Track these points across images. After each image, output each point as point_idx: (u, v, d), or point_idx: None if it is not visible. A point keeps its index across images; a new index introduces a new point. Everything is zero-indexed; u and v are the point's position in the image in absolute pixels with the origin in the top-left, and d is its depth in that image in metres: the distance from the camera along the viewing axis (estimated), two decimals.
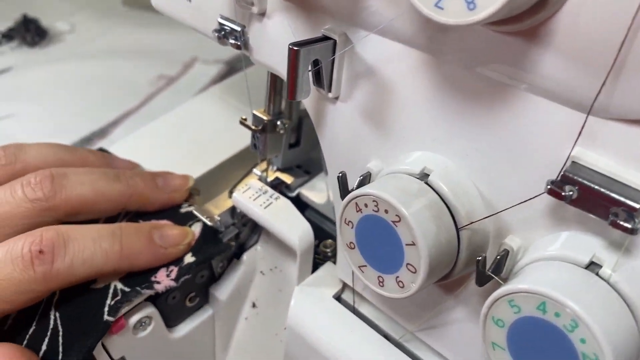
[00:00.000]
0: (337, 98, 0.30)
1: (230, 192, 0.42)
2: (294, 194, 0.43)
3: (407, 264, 0.25)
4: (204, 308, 0.43)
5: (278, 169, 0.44)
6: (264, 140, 0.39)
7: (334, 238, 0.41)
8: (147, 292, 0.36)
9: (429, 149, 0.27)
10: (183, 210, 0.42)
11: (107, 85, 0.96)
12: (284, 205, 0.38)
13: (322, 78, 0.29)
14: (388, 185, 0.25)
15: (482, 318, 0.23)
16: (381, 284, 0.26)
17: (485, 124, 0.24)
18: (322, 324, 0.35)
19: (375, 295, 0.33)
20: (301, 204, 0.43)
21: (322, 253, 0.40)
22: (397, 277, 0.25)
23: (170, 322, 0.41)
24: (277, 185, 0.43)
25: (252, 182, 0.40)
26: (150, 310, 0.38)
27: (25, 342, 0.35)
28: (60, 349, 0.34)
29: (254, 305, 0.43)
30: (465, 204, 0.25)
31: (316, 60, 0.28)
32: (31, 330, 0.35)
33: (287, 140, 0.42)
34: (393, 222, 0.24)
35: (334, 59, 0.28)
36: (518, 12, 0.20)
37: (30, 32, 1.09)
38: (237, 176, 0.44)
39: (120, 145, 0.48)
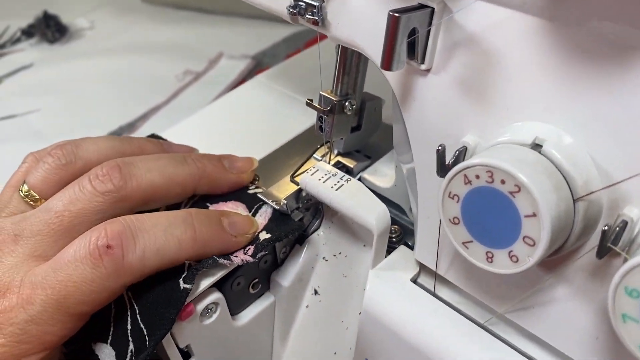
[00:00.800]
0: (428, 70, 0.29)
1: (292, 177, 0.41)
2: (356, 179, 0.42)
3: (525, 236, 0.24)
4: (265, 295, 0.42)
5: (339, 153, 0.43)
6: (331, 122, 0.38)
7: (397, 224, 0.40)
8: (224, 262, 0.35)
9: (538, 119, 0.26)
10: (251, 191, 0.41)
11: (130, 81, 0.95)
12: (357, 186, 0.37)
13: (416, 48, 0.28)
14: (503, 154, 0.24)
15: (613, 288, 0.22)
16: (490, 259, 0.25)
17: (607, 89, 0.23)
18: (402, 308, 0.34)
19: (461, 277, 0.32)
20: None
21: None
22: (511, 251, 0.24)
23: (234, 309, 0.40)
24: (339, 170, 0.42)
25: (320, 165, 0.39)
26: (217, 296, 0.37)
27: (111, 328, 0.34)
28: (142, 325, 0.33)
29: (315, 293, 0.42)
30: (582, 174, 0.24)
31: (412, 30, 0.27)
32: (113, 313, 0.34)
33: (350, 123, 0.41)
34: (511, 192, 0.23)
35: (430, 28, 0.27)
36: None
37: (50, 29, 1.08)
38: (295, 162, 0.43)
39: (171, 132, 0.47)
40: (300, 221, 0.39)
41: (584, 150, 0.25)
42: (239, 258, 0.35)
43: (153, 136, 0.47)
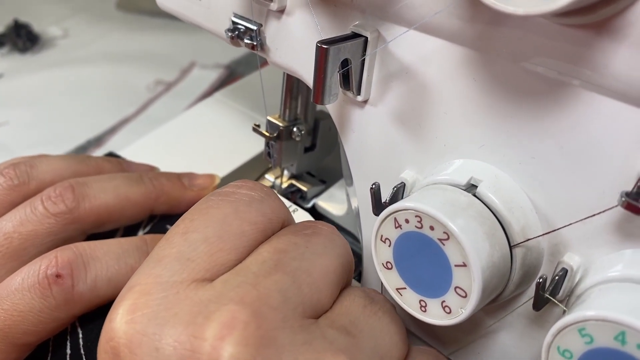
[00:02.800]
0: (366, 101, 0.27)
1: None
2: (309, 205, 0.40)
3: (456, 287, 0.22)
4: None
5: (293, 176, 0.41)
6: (279, 149, 0.36)
7: (353, 252, 0.38)
8: None
9: (475, 157, 0.24)
10: None
11: (102, 91, 0.93)
12: (304, 218, 0.35)
13: (350, 80, 0.26)
14: (433, 197, 0.22)
15: (546, 348, 0.20)
16: (423, 309, 0.24)
17: (544, 128, 0.21)
18: None
19: (406, 317, 0.31)
20: (317, 216, 0.40)
21: None
22: (443, 301, 0.23)
23: None
24: (292, 194, 0.40)
25: None
26: None
27: (49, 353, 0.32)
28: (82, 351, 0.31)
29: None
30: (519, 219, 0.22)
31: (345, 60, 0.25)
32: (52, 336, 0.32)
33: (302, 144, 0.39)
34: (440, 240, 0.22)
35: (364, 58, 0.26)
36: (594, 0, 0.17)
37: (21, 38, 1.05)
38: None
39: (127, 152, 0.45)
40: None
41: (522, 193, 0.23)
42: None
43: (111, 155, 0.45)
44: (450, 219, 0.21)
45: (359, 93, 0.27)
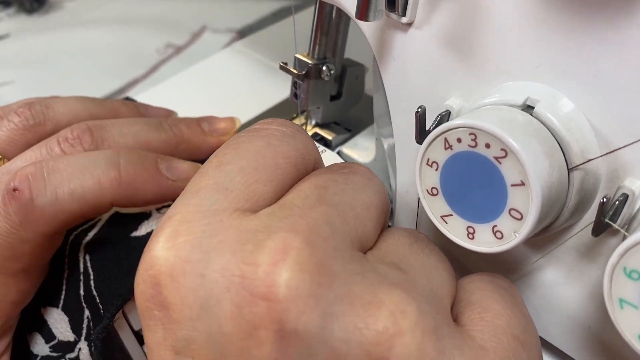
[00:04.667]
0: (410, 24, 0.26)
1: None
2: (334, 152, 0.39)
3: (511, 209, 0.21)
4: None
5: (317, 124, 0.40)
6: (307, 88, 0.35)
7: None
8: None
9: (531, 79, 0.23)
10: None
11: (111, 54, 0.91)
12: (333, 159, 0.34)
13: None
14: (488, 115, 0.21)
15: (610, 269, 0.19)
16: (471, 236, 0.23)
17: (611, 43, 0.20)
18: None
19: None
20: None
21: None
22: (495, 226, 0.22)
23: None
24: (316, 142, 0.39)
25: None
26: None
27: (63, 292, 0.31)
28: (95, 292, 0.30)
29: None
30: (579, 140, 0.21)
31: None
32: (65, 275, 0.31)
33: (329, 91, 0.38)
34: (496, 158, 0.20)
35: None
36: None
37: None
38: None
39: (146, 97, 0.44)
40: None
41: (581, 114, 0.22)
42: None
43: (128, 99, 0.44)
44: (509, 134, 0.20)
45: (404, 14, 0.25)
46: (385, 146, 0.35)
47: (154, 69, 0.86)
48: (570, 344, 0.26)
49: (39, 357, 0.31)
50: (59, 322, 0.31)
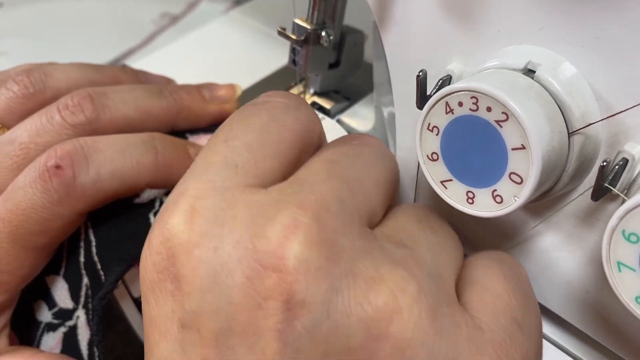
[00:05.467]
0: None
1: None
2: (333, 120, 0.39)
3: (511, 172, 0.21)
4: None
5: (315, 93, 0.40)
6: (306, 54, 0.34)
7: None
8: None
9: (532, 43, 0.22)
10: None
11: (104, 24, 0.90)
12: (331, 126, 0.33)
13: None
14: (490, 79, 0.21)
15: (609, 232, 0.19)
16: (470, 200, 0.23)
17: (611, 4, 0.20)
18: None
19: None
20: None
21: None
22: (494, 190, 0.22)
23: None
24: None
25: None
26: None
27: (64, 260, 0.31)
28: (96, 258, 0.30)
29: None
30: (580, 104, 0.21)
31: None
32: (66, 244, 0.31)
33: (327, 58, 0.37)
34: (497, 121, 0.20)
35: None
36: None
37: None
38: None
39: (141, 65, 0.43)
40: None
41: (582, 78, 0.21)
42: None
43: (125, 67, 0.43)
44: (511, 97, 0.20)
45: None
46: (385, 114, 0.35)
47: (149, 39, 0.85)
48: (568, 309, 0.26)
49: (42, 324, 0.32)
50: (59, 290, 0.31)
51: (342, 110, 0.39)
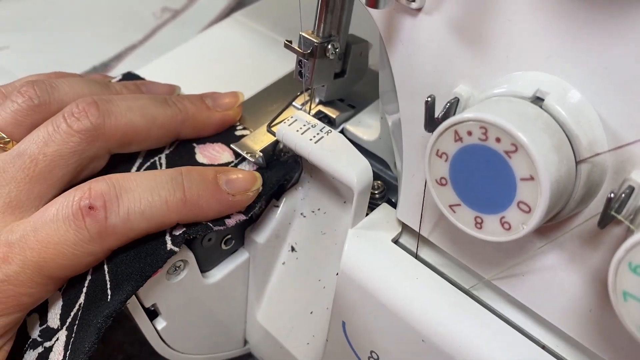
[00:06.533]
0: (420, 9, 0.25)
1: (269, 126, 0.38)
2: (338, 130, 0.39)
3: (520, 202, 0.21)
4: (239, 251, 0.39)
5: (320, 102, 0.40)
6: (312, 67, 0.35)
7: (381, 179, 0.38)
8: (219, 229, 0.32)
9: (541, 69, 0.23)
10: (238, 132, 0.38)
11: (105, 18, 0.90)
12: (338, 139, 0.34)
13: None
14: (499, 108, 0.21)
15: (615, 264, 0.19)
16: (479, 225, 0.23)
17: (622, 36, 0.20)
18: (381, 270, 0.32)
19: (446, 240, 0.30)
20: None
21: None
22: (503, 217, 0.22)
23: (205, 266, 0.37)
24: (319, 120, 0.39)
25: (299, 114, 0.35)
26: (186, 253, 0.34)
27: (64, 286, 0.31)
28: (107, 277, 0.30)
29: (292, 249, 0.40)
30: (587, 133, 0.21)
31: None
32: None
33: (333, 69, 0.37)
34: (506, 152, 0.21)
35: None
36: None
37: None
38: (275, 110, 0.40)
39: (144, 71, 0.43)
40: (291, 163, 0.37)
41: (590, 107, 0.22)
42: (233, 219, 0.33)
43: (130, 74, 0.44)
44: (520, 129, 0.20)
45: None
46: (390, 123, 0.35)
47: (151, 34, 0.85)
48: (572, 326, 0.26)
49: (30, 340, 0.32)
50: (55, 307, 0.31)
51: (347, 119, 0.39)
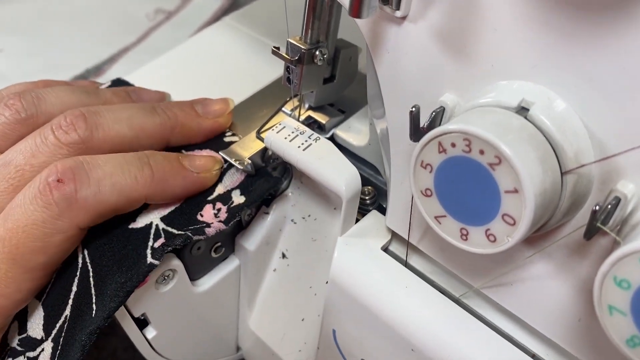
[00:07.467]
0: (404, 18, 0.25)
1: (258, 133, 0.38)
2: (327, 136, 0.39)
3: (505, 214, 0.21)
4: (229, 258, 0.39)
5: (310, 107, 0.39)
6: (300, 74, 0.34)
7: (371, 184, 0.37)
8: (199, 238, 0.32)
9: (526, 79, 0.22)
10: (227, 139, 0.38)
11: (100, 20, 0.89)
12: (326, 146, 0.33)
13: None
14: (483, 120, 0.21)
15: (600, 278, 0.19)
16: (464, 237, 0.23)
17: (607, 47, 0.20)
18: (371, 278, 0.31)
19: (435, 249, 0.30)
20: (337, 147, 0.38)
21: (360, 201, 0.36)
22: (488, 229, 0.22)
23: (194, 274, 0.37)
24: (309, 126, 0.39)
25: (287, 121, 0.35)
26: (174, 262, 0.34)
27: (49, 285, 0.31)
28: (93, 291, 0.30)
29: (283, 256, 0.39)
30: (573, 144, 0.21)
31: None
32: (59, 268, 0.31)
33: (322, 74, 0.37)
34: (490, 164, 0.20)
35: None
36: None
37: None
38: (265, 115, 0.40)
39: (133, 78, 0.43)
40: (277, 177, 0.37)
41: (576, 116, 0.21)
42: (212, 228, 0.32)
43: (119, 81, 0.43)
44: (503, 142, 0.20)
45: (398, 7, 0.25)
46: (378, 130, 0.35)
47: (144, 36, 0.85)
48: (561, 335, 0.26)
49: (8, 348, 0.31)
50: (35, 317, 0.31)
51: (337, 125, 0.39)
